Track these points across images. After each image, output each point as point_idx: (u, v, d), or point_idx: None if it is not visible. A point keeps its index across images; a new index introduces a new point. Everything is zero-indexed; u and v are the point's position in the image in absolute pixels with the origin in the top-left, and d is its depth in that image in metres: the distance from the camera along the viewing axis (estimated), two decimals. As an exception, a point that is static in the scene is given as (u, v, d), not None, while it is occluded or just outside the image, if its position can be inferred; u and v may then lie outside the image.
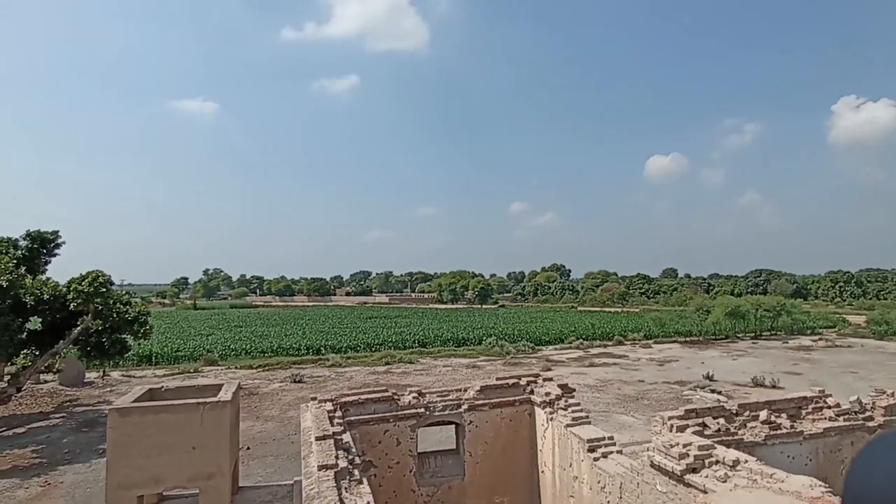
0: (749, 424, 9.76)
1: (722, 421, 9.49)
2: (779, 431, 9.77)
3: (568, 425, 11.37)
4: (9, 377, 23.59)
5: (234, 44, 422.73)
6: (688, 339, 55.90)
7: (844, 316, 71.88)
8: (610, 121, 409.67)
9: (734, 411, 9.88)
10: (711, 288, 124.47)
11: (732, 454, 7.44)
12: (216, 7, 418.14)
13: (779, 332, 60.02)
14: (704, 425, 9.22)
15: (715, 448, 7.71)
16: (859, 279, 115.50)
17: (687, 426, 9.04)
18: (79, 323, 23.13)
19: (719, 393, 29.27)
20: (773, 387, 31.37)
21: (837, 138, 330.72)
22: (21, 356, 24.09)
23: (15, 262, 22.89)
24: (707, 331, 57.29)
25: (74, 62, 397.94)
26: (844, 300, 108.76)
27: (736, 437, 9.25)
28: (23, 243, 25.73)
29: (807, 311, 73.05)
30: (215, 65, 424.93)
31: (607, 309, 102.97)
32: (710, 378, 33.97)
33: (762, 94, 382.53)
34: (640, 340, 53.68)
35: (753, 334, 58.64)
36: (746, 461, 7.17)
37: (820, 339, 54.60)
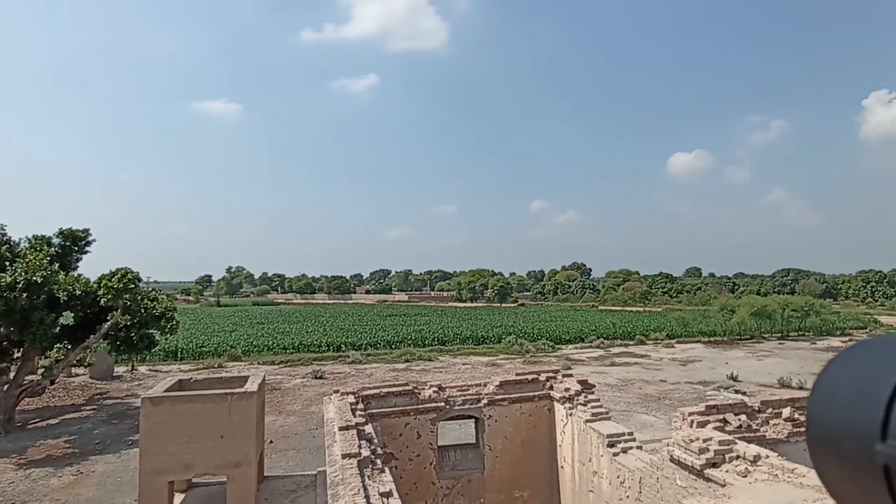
0: (772, 422, 9.66)
1: (744, 417, 9.41)
2: (802, 429, 9.66)
3: (587, 420, 11.39)
4: (43, 370, 24.43)
5: (255, 45, 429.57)
6: (711, 339, 55.00)
7: (876, 317, 69.90)
8: (631, 117, 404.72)
9: (756, 408, 9.79)
10: (736, 287, 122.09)
11: (753, 449, 7.40)
12: (238, 10, 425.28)
13: (807, 333, 58.65)
14: (726, 421, 9.17)
15: (736, 443, 7.68)
16: (892, 279, 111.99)
17: (708, 422, 9.00)
18: (109, 318, 23.83)
19: (743, 393, 28.81)
20: (801, 388, 30.74)
21: (869, 134, 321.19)
22: (55, 350, 24.93)
23: (49, 258, 23.70)
24: (732, 331, 56.27)
25: (105, 64, 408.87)
26: (876, 300, 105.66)
27: (758, 434, 9.18)
28: (56, 241, 26.60)
29: (837, 311, 71.24)
30: (238, 66, 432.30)
31: (629, 308, 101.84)
32: (734, 378, 33.43)
33: (788, 90, 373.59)
34: (662, 340, 53.01)
35: (780, 335, 57.41)
36: (768, 456, 7.13)
37: (850, 341, 53.21)
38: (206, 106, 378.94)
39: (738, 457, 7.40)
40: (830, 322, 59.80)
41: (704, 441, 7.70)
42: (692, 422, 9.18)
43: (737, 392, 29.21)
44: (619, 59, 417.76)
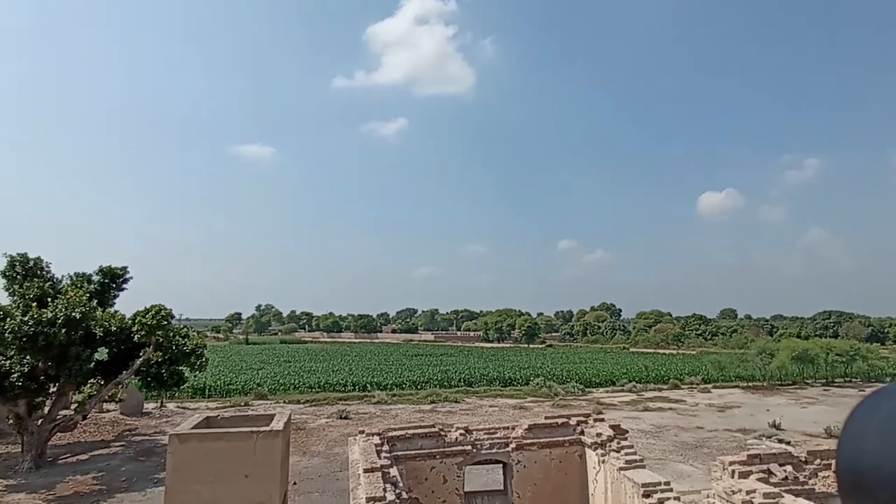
0: (821, 474, 9.05)
1: (790, 469, 8.85)
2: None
3: (621, 468, 10.88)
4: (76, 405, 24.88)
5: (290, 92, 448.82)
6: (750, 384, 52.59)
7: (928, 362, 65.82)
8: (658, 156, 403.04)
9: (803, 459, 9.20)
10: (775, 330, 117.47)
11: (802, 503, 6.92)
12: (274, 59, 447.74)
13: (854, 379, 55.56)
14: (770, 472, 8.62)
15: (783, 496, 7.19)
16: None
17: (750, 472, 8.49)
18: (141, 354, 24.29)
19: (788, 443, 27.23)
20: (849, 438, 28.86)
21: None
22: (88, 385, 25.44)
23: (88, 295, 24.52)
24: (772, 376, 53.72)
25: (149, 110, 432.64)
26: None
27: (806, 487, 8.59)
28: (96, 278, 27.52)
29: (885, 356, 67.43)
30: (272, 112, 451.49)
31: (661, 351, 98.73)
32: (777, 427, 31.68)
33: (822, 129, 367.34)
34: (697, 384, 50.94)
35: (825, 381, 54.52)
36: (819, 512, 6.64)
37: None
38: (242, 149, 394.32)
39: (785, 511, 6.92)
40: (879, 368, 56.55)
41: (748, 493, 7.24)
42: (733, 472, 8.67)
43: (780, 441, 27.61)
44: (646, 98, 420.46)
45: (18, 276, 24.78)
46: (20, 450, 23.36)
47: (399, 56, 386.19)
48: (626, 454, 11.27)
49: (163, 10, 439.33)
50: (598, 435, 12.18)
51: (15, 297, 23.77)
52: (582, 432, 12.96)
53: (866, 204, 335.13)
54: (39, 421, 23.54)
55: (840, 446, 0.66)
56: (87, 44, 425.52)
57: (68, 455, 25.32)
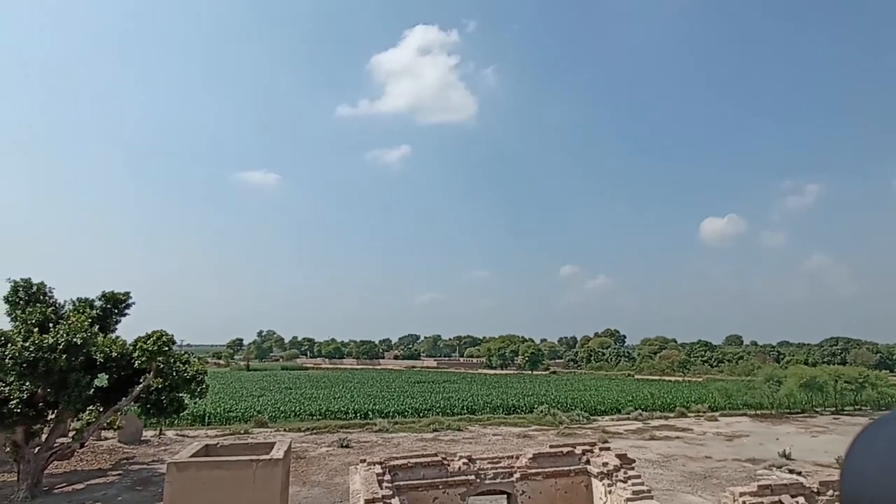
0: (835, 506, 8.80)
1: (802, 500, 8.61)
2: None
3: (629, 499, 10.62)
4: (73, 432, 24.56)
5: (294, 119, 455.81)
6: (758, 412, 51.69)
7: (939, 390, 64.73)
8: (659, 181, 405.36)
9: (815, 490, 8.96)
10: (781, 356, 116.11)
11: (817, 537, 6.70)
12: (279, 88, 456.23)
13: (863, 407, 54.59)
14: (781, 503, 8.40)
15: (796, 529, 6.98)
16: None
17: (762, 503, 8.27)
18: (141, 380, 24.09)
19: (799, 473, 26.61)
20: (862, 468, 28.21)
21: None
22: (87, 412, 25.16)
23: (90, 321, 24.45)
24: (780, 404, 52.84)
25: (150, 135, 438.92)
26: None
27: (820, 520, 8.35)
28: (98, 303, 27.50)
29: (894, 383, 66.39)
30: (278, 139, 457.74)
31: (667, 378, 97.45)
32: (787, 456, 31.00)
33: (821, 154, 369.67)
34: (704, 412, 50.07)
35: (834, 409, 53.59)
36: (835, 545, 6.43)
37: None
38: (247, 176, 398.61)
39: (800, 545, 6.70)
40: (889, 395, 55.63)
41: (760, 526, 7.03)
42: (744, 503, 8.44)
43: (791, 472, 26.98)
44: (647, 124, 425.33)
45: (21, 302, 24.78)
46: (16, 478, 22.96)
47: (402, 85, 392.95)
48: (634, 484, 11.01)
49: (169, 37, 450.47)
50: (605, 464, 11.93)
51: (17, 323, 23.74)
52: (588, 462, 12.69)
53: (868, 229, 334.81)
54: (36, 449, 23.21)
55: (842, 479, 0.66)
56: (93, 70, 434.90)
57: (64, 484, 24.87)
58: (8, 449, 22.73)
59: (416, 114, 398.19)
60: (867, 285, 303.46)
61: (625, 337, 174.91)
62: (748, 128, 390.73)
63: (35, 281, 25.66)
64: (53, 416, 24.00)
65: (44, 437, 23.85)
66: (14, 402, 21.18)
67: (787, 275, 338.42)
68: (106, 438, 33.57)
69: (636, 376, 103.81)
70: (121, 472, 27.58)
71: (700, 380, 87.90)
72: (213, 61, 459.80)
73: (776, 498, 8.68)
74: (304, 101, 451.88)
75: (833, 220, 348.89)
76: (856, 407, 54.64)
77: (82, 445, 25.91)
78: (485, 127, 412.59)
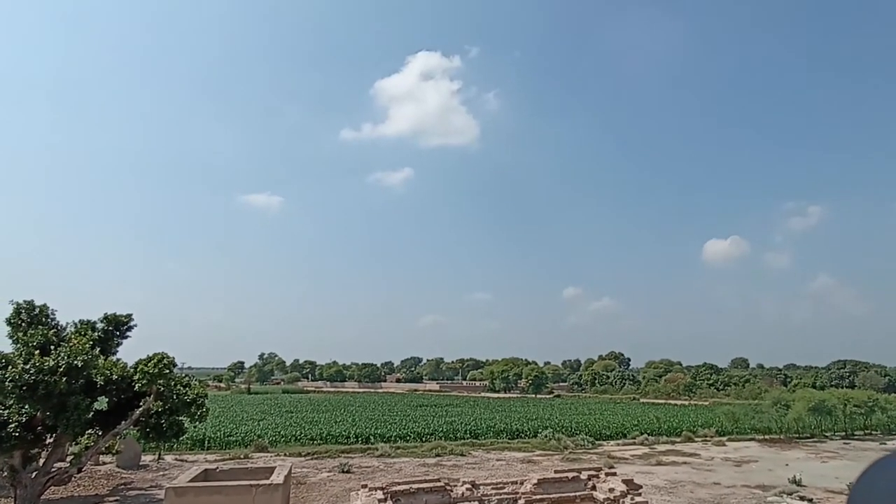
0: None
1: (816, 528, 8.37)
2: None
3: (636, 527, 10.36)
4: (71, 457, 24.22)
5: (298, 143, 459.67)
6: (766, 437, 50.81)
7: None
8: (661, 204, 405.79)
9: (830, 517, 8.72)
10: (789, 379, 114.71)
11: (833, 566, 6.49)
12: (283, 113, 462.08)
13: (874, 432, 53.65)
14: (795, 532, 8.16)
15: (811, 558, 6.76)
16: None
17: (775, 532, 8.03)
18: (141, 403, 23.82)
19: (810, 501, 26.01)
20: (875, 495, 27.53)
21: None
22: (86, 436, 24.84)
23: (91, 343, 24.31)
24: (788, 428, 51.97)
25: (152, 157, 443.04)
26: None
27: (835, 548, 8.10)
28: (100, 325, 27.38)
29: (904, 407, 65.32)
30: (281, 162, 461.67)
31: (672, 401, 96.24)
32: (797, 482, 30.32)
33: (823, 176, 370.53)
34: (711, 437, 49.26)
35: (844, 433, 52.66)
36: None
37: (923, 441, 48.22)
38: (250, 198, 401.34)
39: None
40: (899, 419, 54.78)
41: (773, 555, 6.82)
42: (756, 531, 8.21)
43: (801, 499, 26.36)
44: (649, 146, 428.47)
45: (23, 324, 24.72)
46: (12, 503, 22.60)
47: (405, 109, 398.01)
48: (641, 511, 10.75)
49: (172, 62, 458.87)
50: (611, 490, 11.67)
51: (18, 345, 23.62)
52: (594, 487, 12.42)
53: (873, 250, 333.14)
54: (34, 473, 22.87)
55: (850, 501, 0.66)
56: (95, 93, 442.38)
57: (60, 510, 24.44)
58: (5, 473, 22.39)
59: (419, 137, 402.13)
60: (874, 307, 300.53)
61: (629, 360, 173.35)
62: (749, 150, 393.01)
63: (38, 303, 25.65)
64: (51, 440, 23.71)
65: (41, 461, 23.53)
66: (13, 425, 20.95)
67: (793, 296, 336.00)
68: (104, 463, 33.11)
69: (641, 400, 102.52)
70: (118, 497, 27.12)
71: (706, 403, 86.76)
72: (217, 86, 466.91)
73: (788, 525, 8.44)
74: (308, 125, 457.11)
75: (837, 241, 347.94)
76: (866, 431, 53.71)
77: (80, 470, 25.50)
78: (486, 150, 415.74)
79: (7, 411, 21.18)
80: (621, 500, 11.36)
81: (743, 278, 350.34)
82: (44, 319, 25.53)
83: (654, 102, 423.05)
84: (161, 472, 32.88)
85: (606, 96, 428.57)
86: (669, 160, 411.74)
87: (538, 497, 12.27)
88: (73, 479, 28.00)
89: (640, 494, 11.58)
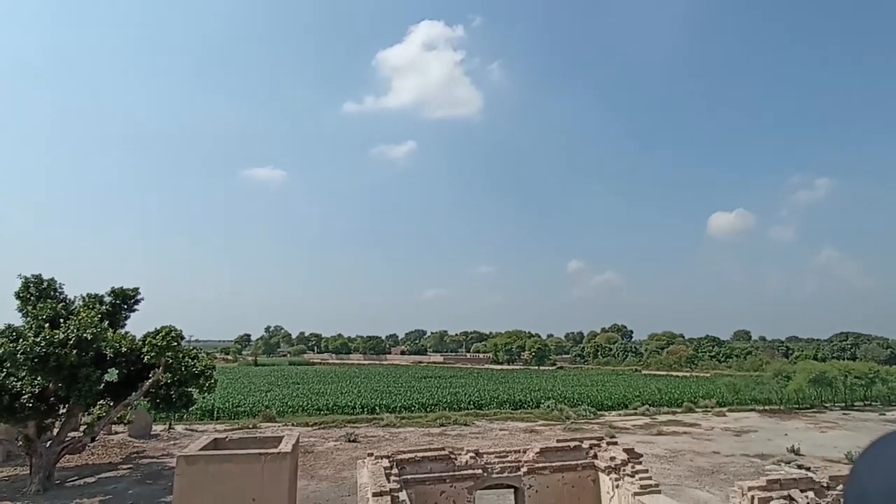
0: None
1: (811, 495, 8.56)
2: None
3: (636, 493, 10.60)
4: (84, 427, 24.83)
5: (300, 117, 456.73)
6: (767, 407, 51.44)
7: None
8: (667, 177, 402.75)
9: (825, 485, 8.90)
10: (790, 352, 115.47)
11: (827, 531, 6.66)
12: (285, 85, 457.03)
13: (873, 403, 54.20)
14: (791, 498, 8.34)
15: (806, 524, 6.94)
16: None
17: (770, 498, 8.22)
18: (150, 375, 24.29)
19: (808, 469, 26.47)
20: (872, 464, 27.97)
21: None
22: (97, 406, 25.42)
23: (100, 316, 24.66)
24: (789, 399, 52.56)
25: (157, 132, 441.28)
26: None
27: (830, 514, 8.29)
28: (107, 299, 27.73)
29: (905, 379, 65.82)
30: (283, 136, 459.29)
31: (674, 373, 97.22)
32: (795, 452, 30.85)
33: (832, 148, 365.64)
34: (712, 408, 49.91)
35: (843, 404, 53.24)
36: (845, 540, 6.38)
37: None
38: (254, 172, 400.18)
39: (809, 540, 6.66)
40: (899, 391, 55.23)
41: (769, 520, 7.00)
42: (753, 498, 8.40)
43: (800, 467, 26.83)
44: (654, 118, 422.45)
45: (32, 298, 25.03)
46: (28, 472, 23.27)
47: (408, 81, 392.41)
48: (641, 479, 10.99)
49: (176, 35, 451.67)
50: (612, 459, 11.91)
51: (28, 318, 23.98)
52: (595, 456, 12.68)
53: (880, 223, 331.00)
54: (48, 443, 23.49)
55: (846, 494, 0.66)
56: (101, 67, 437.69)
57: (76, 478, 25.18)
58: (20, 443, 23.02)
59: (422, 109, 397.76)
60: (879, 280, 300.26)
61: (632, 332, 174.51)
62: (757, 122, 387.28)
63: (45, 277, 25.90)
64: (64, 410, 24.26)
65: (55, 431, 24.13)
66: (26, 396, 21.44)
67: (797, 270, 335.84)
68: (116, 433, 33.93)
69: (643, 372, 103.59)
70: (131, 465, 27.88)
71: (708, 375, 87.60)
72: (220, 59, 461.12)
73: (785, 492, 8.64)
74: (310, 98, 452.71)
75: (844, 214, 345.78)
76: (866, 402, 54.28)
77: (93, 440, 26.20)
78: (490, 121, 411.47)
79: (20, 383, 21.64)
80: (622, 469, 11.59)
81: (748, 252, 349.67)
82: (52, 293, 25.83)
83: (662, 74, 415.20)
84: (172, 442, 33.70)
85: (612, 67, 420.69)
86: (677, 131, 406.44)
87: (540, 465, 12.53)
88: (86, 447, 28.74)
89: (640, 463, 11.81)
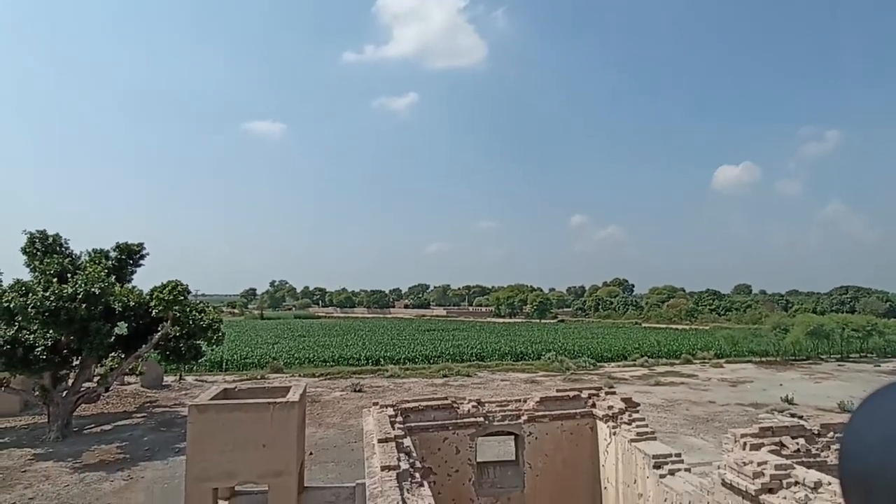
0: (833, 447, 9.05)
1: (802, 441, 8.86)
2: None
3: (632, 440, 10.99)
4: (98, 378, 25.61)
5: (299, 68, 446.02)
6: (764, 359, 52.47)
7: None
8: (672, 130, 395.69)
9: (816, 432, 9.20)
10: (790, 305, 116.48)
11: (814, 475, 6.94)
12: (283, 35, 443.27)
13: (869, 355, 55.17)
14: (782, 445, 8.65)
15: (794, 468, 7.22)
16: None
17: (762, 444, 8.52)
18: (159, 329, 24.81)
19: (800, 417, 27.24)
20: (863, 412, 28.74)
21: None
22: (109, 358, 26.16)
23: (106, 271, 24.96)
24: (786, 351, 53.51)
25: (157, 88, 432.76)
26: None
27: (818, 459, 8.61)
28: (113, 254, 27.98)
29: (902, 331, 66.68)
30: (283, 88, 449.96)
31: (674, 326, 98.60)
32: (789, 401, 31.70)
33: (844, 99, 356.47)
34: (710, 359, 50.94)
35: (839, 356, 54.22)
36: (830, 483, 6.66)
37: (917, 363, 49.68)
38: (254, 126, 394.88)
39: (796, 483, 6.95)
40: (895, 343, 56.07)
41: (759, 465, 7.28)
42: (745, 444, 8.71)
43: (792, 415, 27.64)
44: (661, 71, 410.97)
45: (38, 253, 25.27)
46: (46, 420, 24.19)
47: (409, 29, 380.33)
48: (638, 426, 11.36)
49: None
50: (610, 408, 12.28)
51: (36, 274, 24.29)
52: (593, 405, 13.07)
53: (889, 176, 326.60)
54: (64, 393, 24.30)
55: (843, 443, 0.66)
56: (101, 20, 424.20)
57: (93, 425, 26.19)
58: (37, 393, 23.81)
59: (424, 59, 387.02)
60: (884, 233, 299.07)
61: (633, 286, 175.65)
62: (767, 73, 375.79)
63: (50, 233, 26.05)
64: (78, 362, 24.95)
65: (70, 381, 24.90)
66: (39, 348, 21.99)
67: (803, 223, 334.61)
68: (130, 383, 35.00)
69: (643, 324, 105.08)
70: (145, 414, 28.92)
71: (707, 328, 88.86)
72: (217, 11, 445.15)
73: (777, 439, 8.93)
74: (309, 49, 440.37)
75: (853, 167, 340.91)
76: (861, 354, 55.21)
77: (107, 390, 27.07)
78: (494, 71, 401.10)
79: (33, 336, 22.17)
80: (619, 417, 11.97)
81: (753, 205, 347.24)
82: (57, 248, 26.05)
83: (669, 24, 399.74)
84: (183, 392, 34.80)
85: (619, 15, 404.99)
86: (684, 83, 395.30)
87: (540, 414, 12.95)
88: (101, 397, 29.72)
89: (637, 412, 12.18)
